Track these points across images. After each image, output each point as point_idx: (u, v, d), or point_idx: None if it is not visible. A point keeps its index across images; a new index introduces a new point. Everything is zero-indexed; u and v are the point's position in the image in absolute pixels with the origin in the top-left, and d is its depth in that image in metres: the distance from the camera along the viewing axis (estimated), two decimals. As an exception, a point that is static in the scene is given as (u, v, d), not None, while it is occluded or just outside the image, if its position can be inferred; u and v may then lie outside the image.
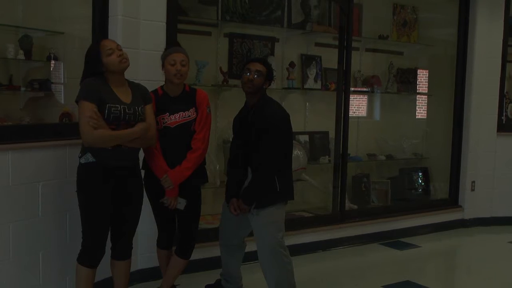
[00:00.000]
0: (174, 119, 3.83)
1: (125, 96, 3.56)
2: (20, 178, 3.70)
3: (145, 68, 4.44)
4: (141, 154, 3.81)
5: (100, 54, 3.46)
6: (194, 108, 3.88)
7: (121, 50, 3.53)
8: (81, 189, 3.55)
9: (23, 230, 3.74)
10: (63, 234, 4.01)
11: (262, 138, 3.86)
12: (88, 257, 3.60)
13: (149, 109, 3.68)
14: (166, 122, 3.82)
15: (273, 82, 4.20)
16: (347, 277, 5.15)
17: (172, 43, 4.22)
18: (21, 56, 4.89)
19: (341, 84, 6.00)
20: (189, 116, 3.85)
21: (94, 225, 3.56)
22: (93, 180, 3.51)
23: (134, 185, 3.72)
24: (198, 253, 4.36)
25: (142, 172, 3.88)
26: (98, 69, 3.48)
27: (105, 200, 3.55)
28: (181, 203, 3.87)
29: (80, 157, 3.53)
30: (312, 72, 6.33)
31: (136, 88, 3.68)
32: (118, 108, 3.45)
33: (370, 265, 5.54)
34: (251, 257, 4.42)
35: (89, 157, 3.48)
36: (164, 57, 3.84)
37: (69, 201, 3.86)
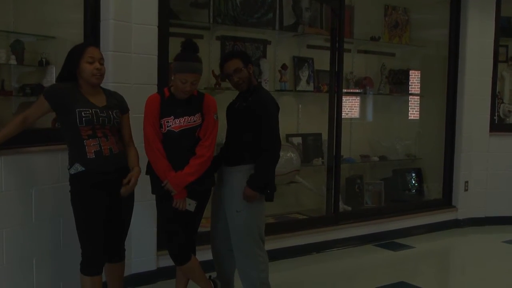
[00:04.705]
0: (179, 123, 3.71)
1: (98, 101, 3.54)
2: (13, 183, 3.68)
3: (137, 72, 4.43)
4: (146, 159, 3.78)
5: (81, 57, 3.45)
6: (200, 113, 3.77)
7: (102, 64, 3.51)
8: (74, 199, 3.53)
9: (16, 236, 3.72)
10: (57, 239, 4.00)
11: (262, 123, 3.82)
12: (91, 267, 3.56)
13: (126, 118, 3.69)
14: (170, 125, 3.70)
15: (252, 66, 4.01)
16: (341, 279, 5.15)
17: (189, 48, 3.73)
18: (13, 61, 4.87)
19: (334, 85, 6.00)
20: (194, 121, 3.74)
21: (92, 234, 3.54)
22: (85, 189, 3.50)
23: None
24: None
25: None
26: (73, 68, 3.47)
27: (99, 207, 3.53)
28: (191, 205, 3.78)
29: (69, 168, 3.52)
30: (304, 74, 6.34)
31: (111, 95, 3.67)
32: (89, 111, 3.43)
33: (364, 267, 5.55)
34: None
35: (78, 167, 3.47)
36: (176, 70, 3.64)
37: (62, 206, 3.85)
